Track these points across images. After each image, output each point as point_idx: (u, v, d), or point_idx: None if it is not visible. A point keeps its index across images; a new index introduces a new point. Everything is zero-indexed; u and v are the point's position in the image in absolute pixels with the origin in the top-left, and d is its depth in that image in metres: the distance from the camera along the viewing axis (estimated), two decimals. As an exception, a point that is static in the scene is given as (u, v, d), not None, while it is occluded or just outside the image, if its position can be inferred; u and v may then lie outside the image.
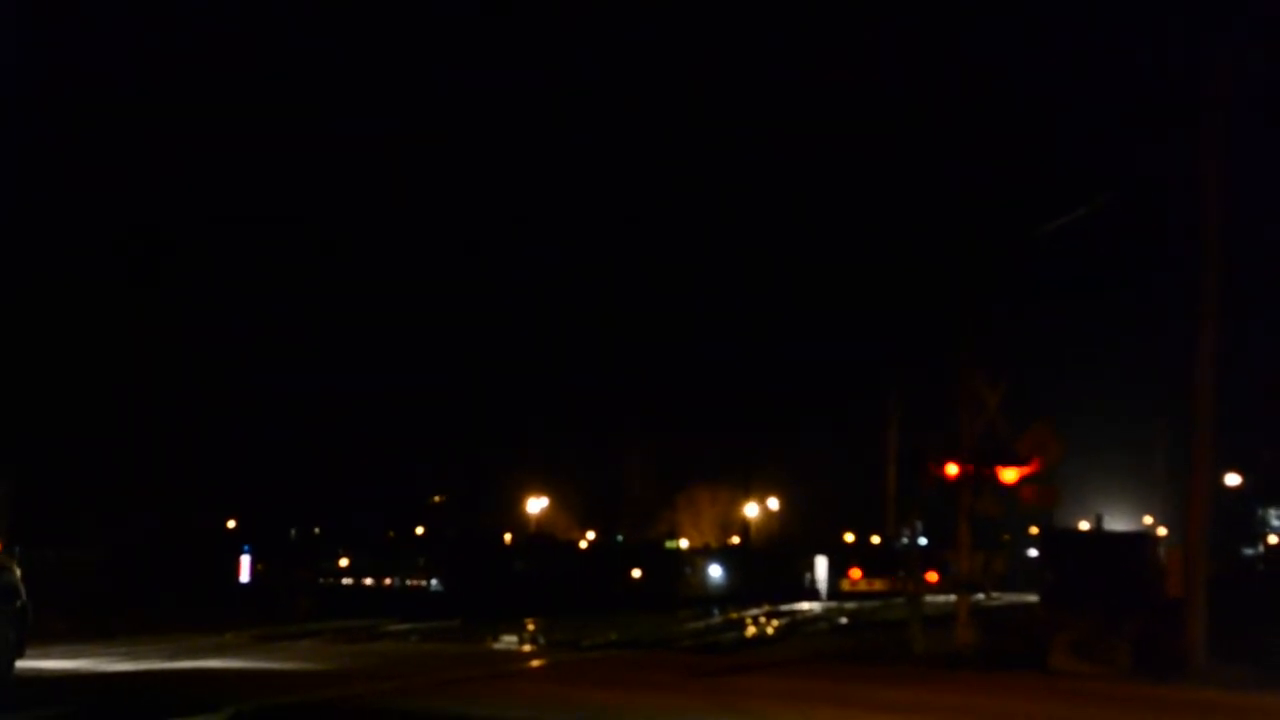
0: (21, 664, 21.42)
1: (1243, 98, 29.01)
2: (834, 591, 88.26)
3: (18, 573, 21.63)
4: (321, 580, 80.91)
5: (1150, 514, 65.22)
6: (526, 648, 33.79)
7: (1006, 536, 65.31)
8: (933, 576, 36.24)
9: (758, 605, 62.92)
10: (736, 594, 78.29)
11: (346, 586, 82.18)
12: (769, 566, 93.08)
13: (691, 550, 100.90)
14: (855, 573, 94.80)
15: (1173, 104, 30.65)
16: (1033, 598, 46.10)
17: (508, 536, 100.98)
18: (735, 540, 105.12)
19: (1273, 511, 37.46)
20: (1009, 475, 32.47)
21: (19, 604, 21.40)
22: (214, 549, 70.43)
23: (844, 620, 53.01)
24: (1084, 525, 64.49)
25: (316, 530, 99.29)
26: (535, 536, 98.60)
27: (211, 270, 78.78)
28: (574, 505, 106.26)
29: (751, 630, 44.20)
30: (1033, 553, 62.76)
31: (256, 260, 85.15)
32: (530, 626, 40.96)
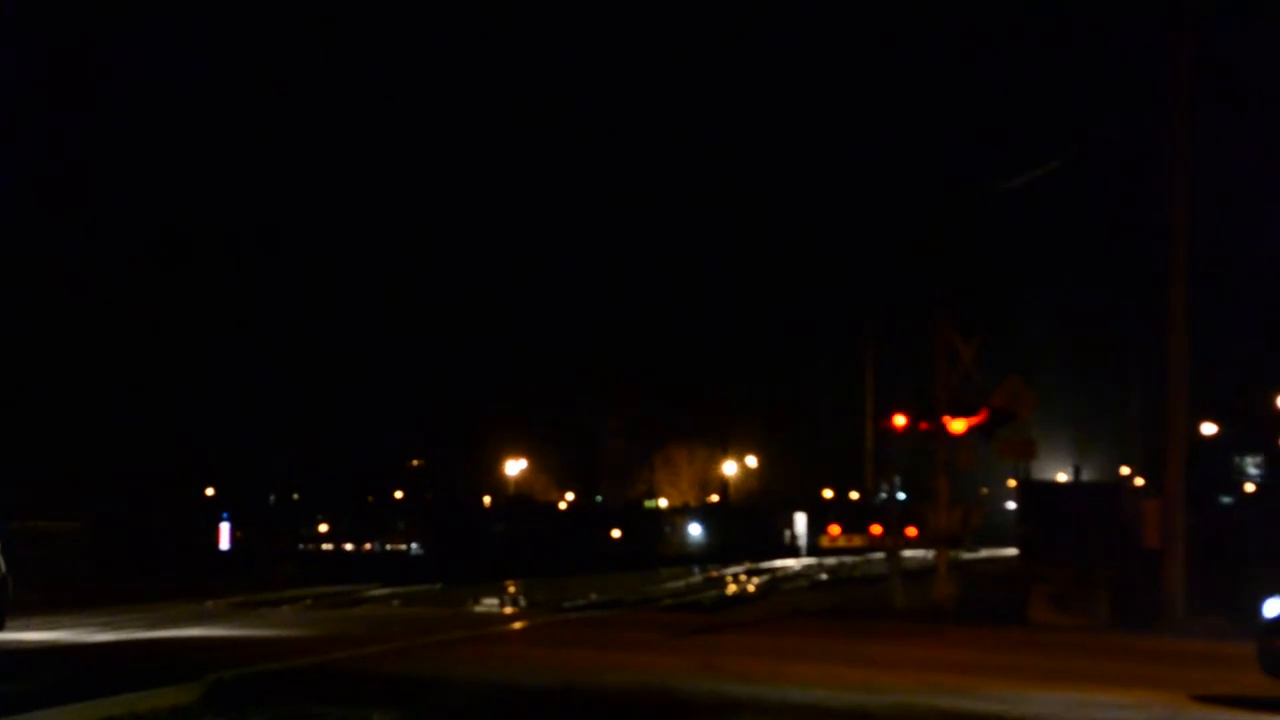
0: (1, 636, 21.41)
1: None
2: (813, 548, 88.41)
3: (-3, 545, 21.61)
4: (301, 546, 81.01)
5: (1127, 465, 65.33)
6: (508, 610, 33.79)
7: (984, 490, 65.52)
8: (912, 531, 36.29)
9: (738, 563, 63.05)
10: (716, 552, 78.50)
11: (326, 552, 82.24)
12: (748, 524, 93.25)
13: (670, 509, 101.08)
14: (834, 529, 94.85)
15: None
16: (1011, 551, 46.26)
17: (487, 499, 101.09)
18: (714, 498, 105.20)
19: (1249, 459, 37.57)
20: (957, 425, 32.47)
21: (-1, 576, 21.40)
22: (193, 517, 70.30)
23: (824, 576, 53.15)
24: (1062, 477, 64.79)
25: (295, 496, 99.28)
26: (514, 499, 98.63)
27: (187, 238, 78.52)
28: (552, 467, 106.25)
29: (732, 588, 44.27)
30: (1011, 506, 63.00)
31: (234, 230, 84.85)
32: (511, 589, 40.98)
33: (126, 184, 73.67)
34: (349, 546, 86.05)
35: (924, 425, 32.43)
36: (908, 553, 39.25)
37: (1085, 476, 60.84)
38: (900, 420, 32.72)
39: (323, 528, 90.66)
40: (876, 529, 45.60)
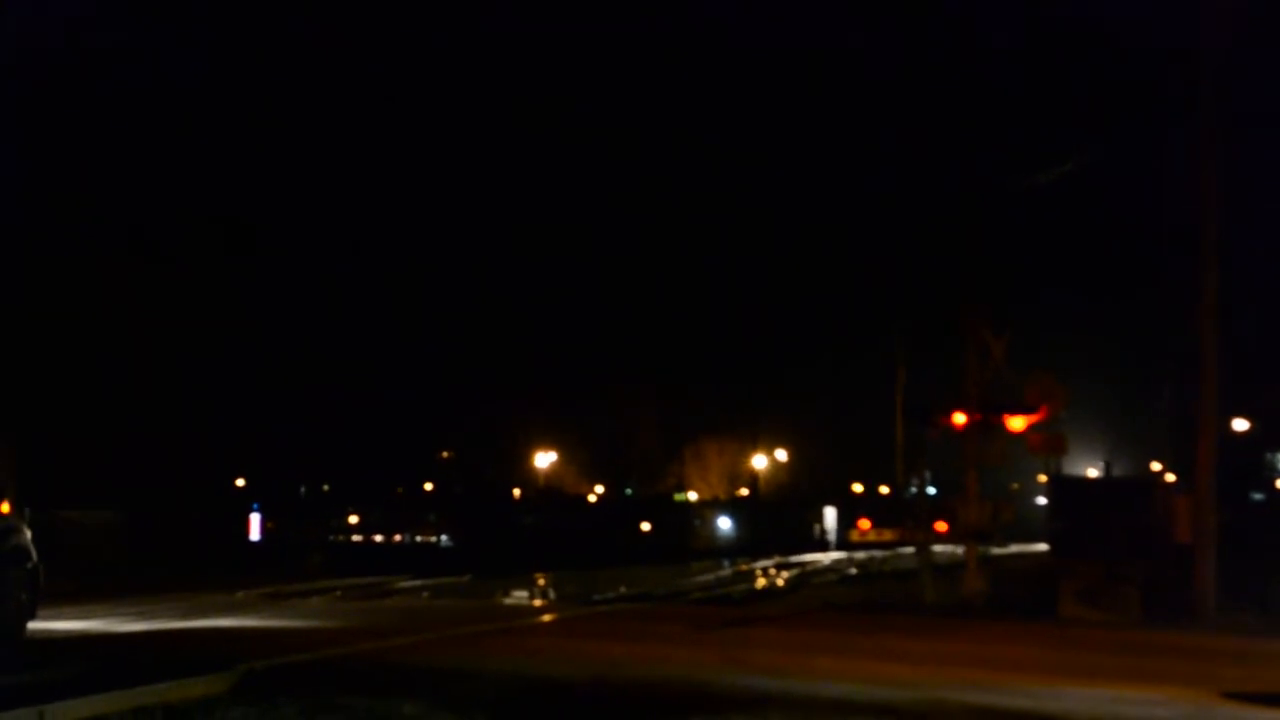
0: (34, 625, 21.49)
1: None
2: (843, 542, 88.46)
3: (28, 534, 21.68)
4: (331, 537, 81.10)
5: (1158, 461, 65.14)
6: (537, 602, 33.86)
7: (1015, 485, 65.35)
8: (942, 526, 36.23)
9: (767, 557, 63.07)
10: (746, 546, 78.48)
11: (356, 543, 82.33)
12: (778, 518, 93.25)
13: (700, 503, 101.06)
14: (864, 523, 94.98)
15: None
16: (1041, 547, 46.17)
17: (517, 491, 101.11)
18: (744, 492, 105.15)
19: (1281, 455, 37.57)
20: (1016, 424, 32.55)
21: (30, 565, 21.46)
22: (224, 508, 70.48)
23: (853, 571, 53.10)
24: (1093, 473, 64.62)
25: (326, 487, 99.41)
26: (544, 491, 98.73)
27: (219, 231, 78.68)
28: (582, 460, 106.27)
29: (761, 582, 44.27)
30: (1041, 501, 62.83)
31: (265, 223, 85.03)
32: (540, 581, 41.04)
33: (151, 174, 73.79)
34: (379, 538, 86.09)
35: (976, 419, 32.41)
36: (937, 548, 39.18)
37: (1116, 472, 60.67)
38: (960, 419, 32.70)
39: (353, 519, 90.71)
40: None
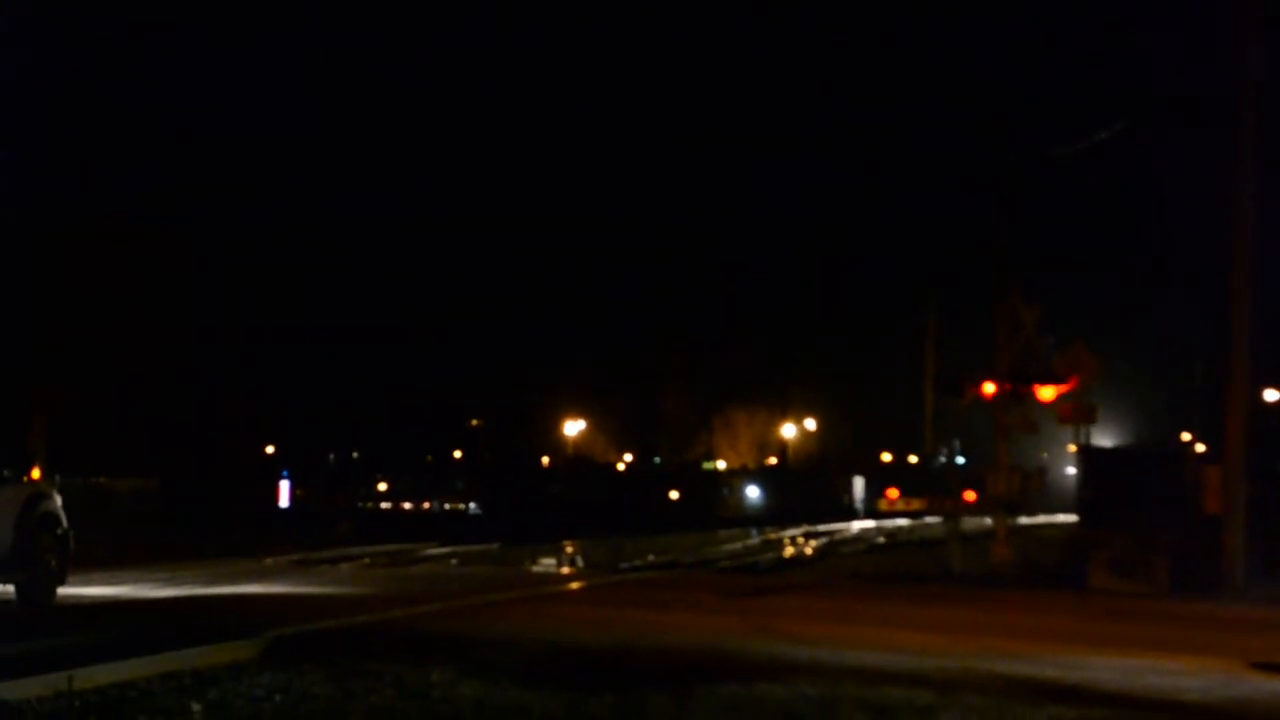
0: (63, 590, 21.58)
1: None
2: (871, 511, 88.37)
3: (58, 500, 21.77)
4: (360, 504, 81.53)
5: (1188, 430, 64.97)
6: (565, 570, 33.91)
7: (1044, 454, 65.18)
8: (970, 496, 36.17)
9: (795, 525, 63.06)
10: (774, 514, 78.58)
11: (385, 510, 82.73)
12: (806, 487, 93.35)
13: (729, 471, 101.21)
14: (893, 492, 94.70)
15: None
16: (1070, 517, 46.11)
17: (545, 459, 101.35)
18: (773, 461, 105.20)
19: (1313, 427, 37.38)
20: (1047, 393, 32.49)
21: (60, 531, 21.56)
22: (253, 475, 70.76)
23: (882, 540, 53.08)
24: (1122, 443, 64.45)
25: (355, 455, 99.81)
26: (573, 459, 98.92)
27: (250, 198, 78.87)
28: (611, 428, 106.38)
29: (789, 550, 44.27)
30: (1071, 471, 62.73)
31: (299, 193, 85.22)
32: (568, 549, 41.09)
33: (191, 149, 73.97)
34: (407, 505, 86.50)
35: (1007, 388, 32.38)
36: (967, 518, 39.15)
37: (1146, 442, 60.51)
38: (990, 388, 32.68)
39: (381, 486, 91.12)
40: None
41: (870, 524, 72.59)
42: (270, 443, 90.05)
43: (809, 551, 44.20)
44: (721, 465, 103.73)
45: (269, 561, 32.62)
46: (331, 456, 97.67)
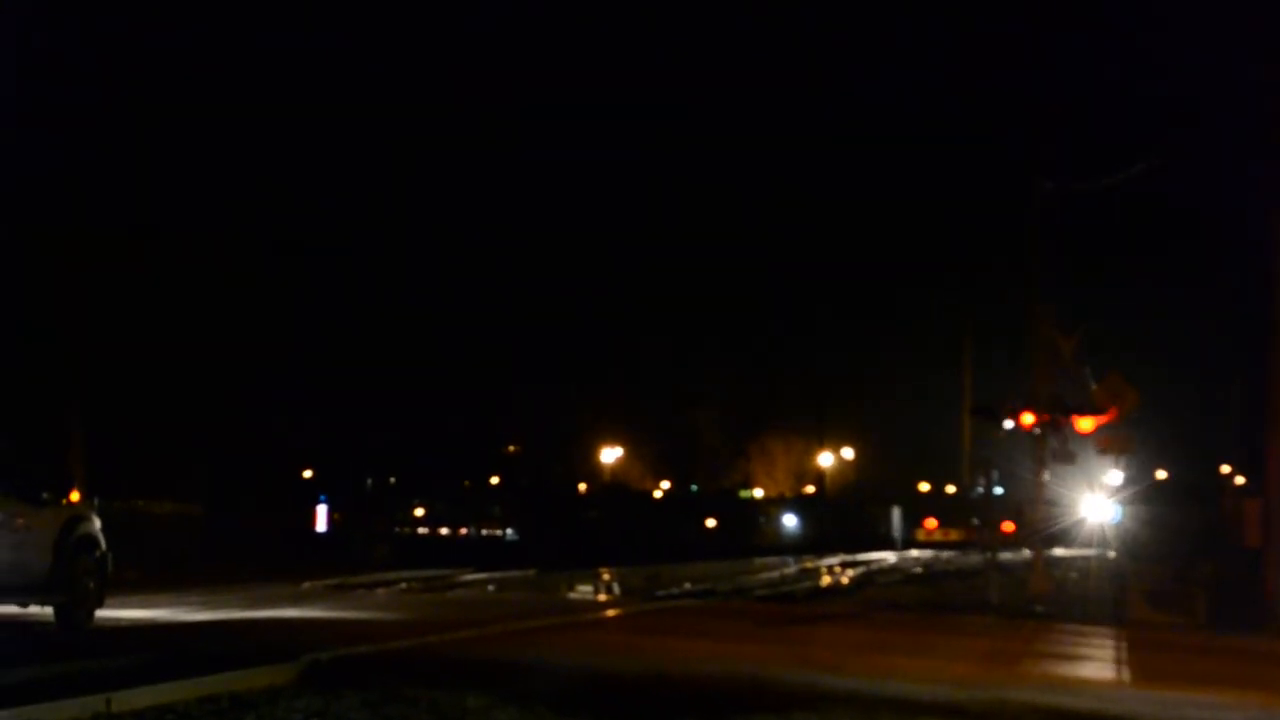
0: (101, 613, 21.63)
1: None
2: (909, 541, 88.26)
3: (97, 523, 21.83)
4: (397, 530, 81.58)
5: (1227, 463, 64.74)
6: (601, 597, 33.89)
7: (1090, 487, 64.91)
8: (1009, 526, 36.11)
9: (832, 555, 62.98)
10: (811, 543, 78.47)
11: (422, 536, 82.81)
12: (843, 516, 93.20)
13: (766, 499, 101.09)
14: (930, 522, 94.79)
15: None
16: (1109, 550, 45.98)
17: (582, 486, 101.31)
18: (810, 489, 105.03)
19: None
20: (1085, 424, 32.43)
21: (99, 554, 21.62)
22: (291, 499, 70.88)
23: (918, 570, 52.98)
24: (1161, 474, 64.22)
25: (392, 480, 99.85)
26: (609, 486, 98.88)
27: (280, 215, 79.01)
28: (648, 455, 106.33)
29: (826, 580, 44.21)
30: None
31: (332, 217, 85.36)
32: (605, 576, 41.08)
33: (212, 172, 74.21)
34: (444, 531, 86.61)
35: (1045, 419, 32.33)
36: (1004, 550, 39.06)
37: (1184, 474, 60.33)
38: (1029, 419, 32.64)
39: (419, 512, 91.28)
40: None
41: (908, 554, 72.49)
42: (308, 467, 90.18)
43: (846, 581, 44.12)
44: (759, 494, 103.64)
45: (306, 586, 32.66)
46: (369, 481, 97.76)
